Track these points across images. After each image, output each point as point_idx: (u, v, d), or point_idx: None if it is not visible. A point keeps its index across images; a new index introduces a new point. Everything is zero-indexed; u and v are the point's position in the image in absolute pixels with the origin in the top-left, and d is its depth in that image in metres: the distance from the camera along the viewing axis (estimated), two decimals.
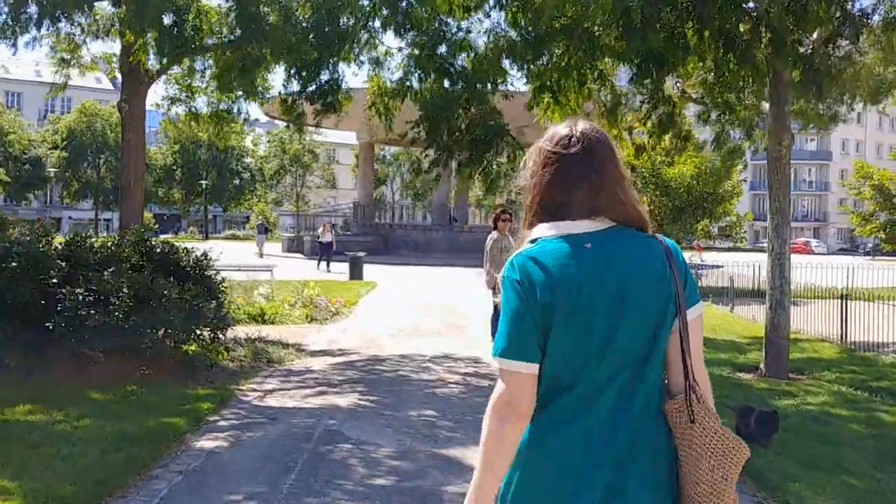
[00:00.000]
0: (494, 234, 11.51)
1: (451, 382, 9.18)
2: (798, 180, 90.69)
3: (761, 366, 9.98)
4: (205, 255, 10.13)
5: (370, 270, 25.39)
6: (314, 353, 11.05)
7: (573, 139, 2.08)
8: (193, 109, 14.86)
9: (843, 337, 12.27)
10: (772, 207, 9.95)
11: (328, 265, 29.49)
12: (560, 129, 2.15)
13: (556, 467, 1.95)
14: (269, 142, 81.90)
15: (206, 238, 66.42)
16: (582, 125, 2.13)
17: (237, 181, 77.51)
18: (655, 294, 1.99)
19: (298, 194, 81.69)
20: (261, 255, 36.95)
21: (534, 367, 1.97)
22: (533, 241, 2.06)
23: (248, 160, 79.89)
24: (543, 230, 2.06)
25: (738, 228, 32.47)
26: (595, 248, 2.00)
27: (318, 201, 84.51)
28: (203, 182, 72.19)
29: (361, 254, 25.41)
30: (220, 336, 10.16)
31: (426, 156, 11.01)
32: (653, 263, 2.02)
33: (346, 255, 25.90)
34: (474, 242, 41.59)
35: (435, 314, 16.14)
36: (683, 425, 1.98)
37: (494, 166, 11.17)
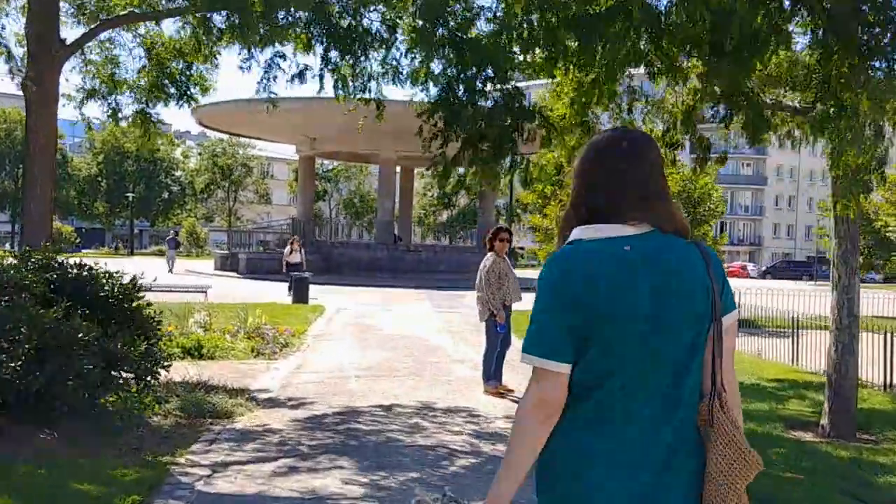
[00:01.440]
0: (491, 257, 9.59)
1: (455, 449, 7.13)
2: (734, 205, 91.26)
3: (823, 422, 8.19)
4: (133, 281, 7.94)
5: (314, 292, 23.11)
6: (269, 403, 8.88)
7: (624, 143, 2.06)
8: (114, 105, 12.63)
9: (888, 381, 10.55)
10: (837, 231, 8.23)
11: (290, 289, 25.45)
12: (610, 132, 2.15)
13: (594, 471, 1.91)
14: (200, 154, 78.76)
15: (132, 254, 63.14)
16: (633, 130, 2.18)
17: (166, 194, 74.31)
18: (694, 299, 1.96)
19: (231, 209, 78.59)
20: (170, 272, 34.24)
21: (566, 367, 1.93)
22: (571, 243, 2.02)
23: (177, 173, 76.63)
24: (583, 232, 2.02)
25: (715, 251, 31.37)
26: (635, 251, 1.96)
27: (251, 217, 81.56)
28: (129, 194, 68.52)
29: (307, 274, 23.10)
30: (152, 380, 8.01)
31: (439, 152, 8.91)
32: (692, 269, 1.99)
33: (290, 276, 23.54)
34: (420, 263, 39.82)
35: (400, 348, 14.04)
36: (706, 427, 1.96)
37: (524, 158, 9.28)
